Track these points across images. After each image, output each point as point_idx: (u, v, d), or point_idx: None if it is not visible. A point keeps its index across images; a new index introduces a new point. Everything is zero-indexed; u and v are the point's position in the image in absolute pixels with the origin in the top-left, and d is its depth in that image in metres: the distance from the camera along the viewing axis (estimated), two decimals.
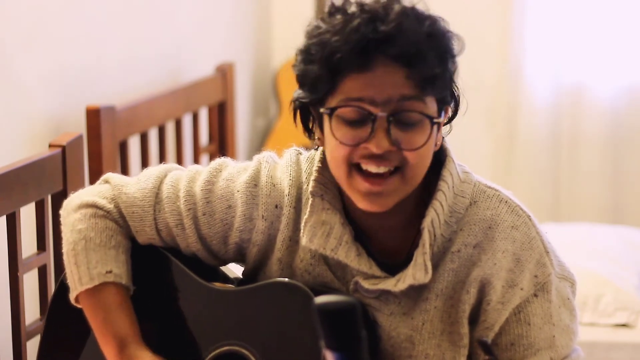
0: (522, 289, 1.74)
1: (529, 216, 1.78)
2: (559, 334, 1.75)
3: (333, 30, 1.68)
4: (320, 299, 1.27)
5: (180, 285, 1.86)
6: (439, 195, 1.73)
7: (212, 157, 3.56)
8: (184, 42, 3.85)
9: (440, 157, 1.77)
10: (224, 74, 3.75)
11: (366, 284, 1.75)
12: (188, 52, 3.87)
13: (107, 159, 2.87)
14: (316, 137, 1.77)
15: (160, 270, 1.88)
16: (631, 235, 3.63)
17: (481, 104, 4.48)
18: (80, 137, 2.54)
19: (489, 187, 1.79)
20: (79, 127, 2.94)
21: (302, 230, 1.77)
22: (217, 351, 1.81)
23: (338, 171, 1.71)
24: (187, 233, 1.83)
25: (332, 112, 1.68)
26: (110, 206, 1.86)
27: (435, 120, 1.69)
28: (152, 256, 1.89)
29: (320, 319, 1.27)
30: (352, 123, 1.67)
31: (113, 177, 1.91)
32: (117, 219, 1.86)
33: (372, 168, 1.67)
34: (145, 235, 1.86)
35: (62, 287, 1.91)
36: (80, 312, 1.88)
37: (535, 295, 1.74)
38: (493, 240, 1.74)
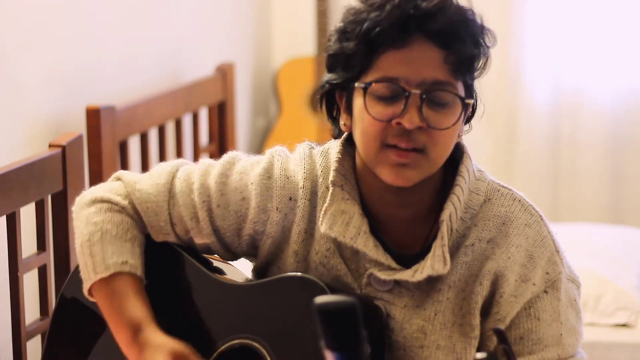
0: (534, 284, 1.77)
1: (541, 216, 1.82)
2: (566, 333, 1.78)
3: (372, 8, 1.72)
4: (320, 299, 1.27)
5: (193, 280, 1.87)
6: (457, 190, 1.77)
7: (212, 157, 3.55)
8: (184, 42, 3.85)
9: (456, 156, 1.80)
10: (224, 74, 3.75)
11: (382, 275, 1.77)
12: (188, 52, 3.87)
13: (107, 159, 2.87)
14: (342, 123, 1.80)
15: (173, 265, 1.89)
16: (631, 235, 3.64)
17: (481, 107, 4.47)
18: (80, 137, 2.54)
19: (503, 186, 1.83)
20: (79, 127, 2.94)
21: (321, 219, 1.79)
22: (229, 344, 1.81)
23: (369, 147, 1.73)
24: (202, 225, 1.85)
25: (367, 86, 1.71)
26: (124, 202, 1.87)
27: (467, 101, 1.73)
28: (164, 252, 1.90)
29: (320, 319, 1.27)
30: (385, 99, 1.70)
31: (125, 174, 1.92)
32: (132, 215, 1.87)
33: (402, 144, 1.69)
34: (160, 230, 1.87)
35: (68, 288, 1.92)
36: (87, 312, 1.88)
37: (546, 292, 1.77)
38: (507, 236, 1.78)
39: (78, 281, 1.88)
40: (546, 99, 4.43)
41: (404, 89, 1.69)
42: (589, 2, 4.34)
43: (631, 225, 4.11)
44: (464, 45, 1.71)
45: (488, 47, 1.76)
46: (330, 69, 1.78)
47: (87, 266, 1.84)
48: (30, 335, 2.35)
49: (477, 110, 1.81)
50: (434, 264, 1.74)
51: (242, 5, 4.45)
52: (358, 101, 1.73)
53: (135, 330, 1.79)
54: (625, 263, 3.33)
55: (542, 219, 1.81)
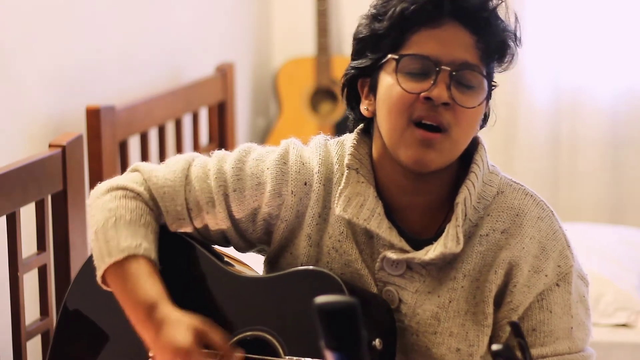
0: (546, 276, 1.80)
1: (552, 211, 1.85)
2: (576, 327, 1.84)
3: None
4: (320, 299, 1.27)
5: (206, 272, 1.88)
6: (472, 177, 1.81)
7: None
8: (184, 42, 3.85)
9: (471, 151, 1.84)
10: (224, 74, 3.76)
11: (394, 255, 1.79)
12: (188, 52, 3.87)
13: (107, 159, 2.87)
14: (364, 108, 1.83)
15: (186, 258, 1.90)
16: (631, 235, 3.64)
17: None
18: (80, 137, 2.54)
19: (515, 182, 1.88)
20: (79, 127, 2.94)
21: (336, 201, 1.82)
22: (241, 336, 1.82)
23: (395, 124, 1.76)
24: (217, 210, 1.87)
25: (401, 58, 1.75)
26: (140, 189, 1.89)
27: (494, 84, 1.80)
28: (178, 245, 1.91)
29: (320, 319, 1.27)
30: (415, 75, 1.75)
31: (142, 164, 1.95)
32: (148, 201, 1.88)
33: (427, 122, 1.74)
34: (176, 215, 1.88)
35: (75, 288, 1.93)
36: (99, 303, 1.89)
37: (557, 285, 1.81)
38: (521, 227, 1.81)
39: (86, 276, 1.89)
40: (546, 98, 4.43)
41: (435, 62, 1.73)
42: (588, 1, 4.34)
43: (631, 225, 4.11)
44: (494, 33, 1.77)
45: (518, 43, 1.81)
46: (357, 54, 1.83)
47: (101, 251, 1.84)
48: (30, 335, 2.35)
49: (489, 113, 1.88)
50: (447, 242, 1.77)
51: (242, 5, 4.45)
52: (386, 79, 1.77)
53: (151, 309, 1.78)
54: (625, 263, 3.33)
55: (553, 214, 1.85)
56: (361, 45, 1.82)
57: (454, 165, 1.82)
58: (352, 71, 1.83)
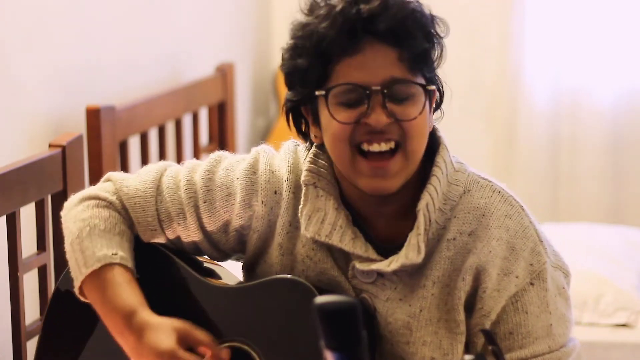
0: (517, 277, 1.76)
1: (521, 206, 1.80)
2: (556, 323, 1.77)
3: (318, 20, 1.72)
4: (320, 299, 1.27)
5: (183, 283, 1.87)
6: (433, 180, 1.76)
7: None
8: (184, 42, 3.85)
9: (433, 147, 1.80)
10: (224, 74, 3.76)
11: (361, 266, 1.77)
12: (188, 52, 3.87)
13: (107, 159, 2.87)
14: (312, 135, 1.80)
15: (162, 269, 1.89)
16: (631, 235, 3.63)
17: (481, 106, 4.48)
18: (80, 137, 2.54)
19: (482, 178, 1.82)
20: (79, 127, 2.94)
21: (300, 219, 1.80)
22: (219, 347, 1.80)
23: (341, 155, 1.73)
24: (189, 222, 1.85)
25: (328, 91, 1.71)
26: (112, 198, 1.88)
27: (428, 87, 1.73)
28: (153, 256, 1.90)
29: (320, 319, 1.27)
30: (348, 105, 1.70)
31: (114, 174, 1.94)
32: (120, 210, 1.87)
33: (375, 147, 1.70)
34: (147, 226, 1.87)
35: (60, 291, 1.92)
36: (80, 312, 1.88)
37: (532, 284, 1.76)
38: (488, 228, 1.77)
39: (70, 280, 1.88)
40: (546, 99, 4.43)
41: (364, 87, 1.69)
42: (589, 2, 4.34)
43: (631, 225, 4.11)
44: (415, 41, 1.71)
45: (441, 37, 1.75)
46: (289, 87, 1.78)
47: (77, 262, 1.84)
48: (30, 335, 2.35)
49: (444, 95, 1.80)
50: (408, 253, 1.74)
51: (242, 5, 4.45)
52: (324, 112, 1.73)
53: (130, 316, 1.78)
54: (625, 263, 3.33)
55: (523, 210, 1.79)
56: (289, 80, 1.78)
57: (416, 170, 1.77)
58: (289, 104, 1.79)
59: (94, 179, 2.81)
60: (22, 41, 2.84)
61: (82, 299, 1.85)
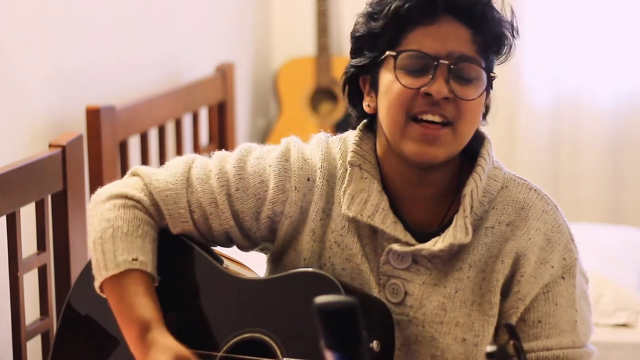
0: (552, 267, 1.82)
1: (556, 205, 1.87)
2: (580, 321, 1.84)
3: None
4: (321, 299, 1.27)
5: (205, 274, 1.89)
6: (479, 170, 1.83)
7: None
8: (184, 42, 3.85)
9: (473, 144, 1.87)
10: (224, 74, 3.76)
11: (401, 248, 1.81)
12: (188, 52, 3.87)
13: (107, 159, 2.87)
14: (365, 105, 1.85)
15: (185, 259, 1.90)
16: (631, 235, 3.64)
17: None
18: (80, 137, 2.54)
19: (519, 177, 1.89)
20: (79, 127, 2.94)
21: (341, 198, 1.84)
22: (239, 338, 1.82)
23: (394, 120, 1.78)
24: (221, 209, 1.87)
25: (398, 54, 1.76)
26: (140, 195, 1.89)
27: (492, 75, 1.81)
28: (177, 246, 1.91)
29: (320, 319, 1.27)
30: (414, 72, 1.76)
31: (141, 168, 1.95)
32: (148, 207, 1.89)
33: (429, 116, 1.76)
34: (179, 218, 1.89)
35: (78, 287, 1.94)
36: (96, 310, 1.90)
37: (563, 278, 1.83)
38: (526, 219, 1.83)
39: (89, 277, 1.89)
40: (546, 100, 4.43)
41: (433, 57, 1.75)
42: (588, 3, 4.34)
43: (631, 225, 4.11)
44: (490, 25, 1.77)
45: (514, 34, 1.82)
46: (355, 53, 1.84)
47: (98, 263, 1.86)
48: (30, 335, 2.35)
49: (490, 109, 1.90)
50: (456, 233, 1.79)
51: (242, 5, 4.45)
52: (386, 76, 1.79)
53: (144, 330, 1.81)
54: (625, 263, 3.33)
55: (557, 208, 1.86)
56: (359, 44, 1.83)
57: (457, 158, 1.84)
58: (352, 70, 1.85)
59: (94, 179, 2.81)
60: (22, 41, 2.84)
61: (101, 294, 1.88)
